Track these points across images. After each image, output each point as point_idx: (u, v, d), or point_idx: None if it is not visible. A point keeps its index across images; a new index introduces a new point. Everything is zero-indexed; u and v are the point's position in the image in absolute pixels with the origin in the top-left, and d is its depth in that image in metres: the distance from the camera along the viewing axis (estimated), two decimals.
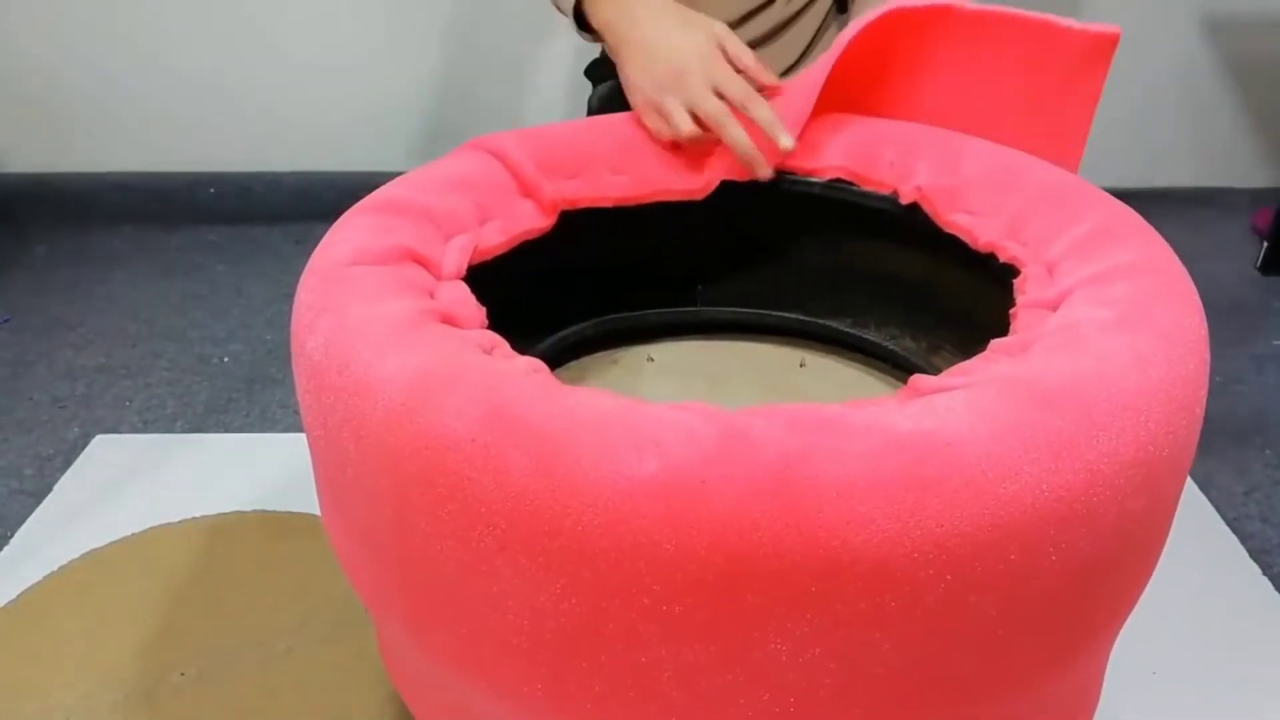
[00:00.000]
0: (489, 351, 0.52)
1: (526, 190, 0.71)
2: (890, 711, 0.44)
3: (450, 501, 0.44)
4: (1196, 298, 0.54)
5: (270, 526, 1.02)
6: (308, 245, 0.60)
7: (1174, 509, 0.52)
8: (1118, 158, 1.80)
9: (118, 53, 1.68)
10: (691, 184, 0.75)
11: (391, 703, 0.81)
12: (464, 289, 0.59)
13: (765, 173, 0.73)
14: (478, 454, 0.43)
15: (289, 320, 0.56)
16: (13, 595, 0.93)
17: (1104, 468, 0.43)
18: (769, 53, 1.07)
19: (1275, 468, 1.17)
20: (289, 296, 0.58)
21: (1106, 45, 0.71)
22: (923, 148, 0.72)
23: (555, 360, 0.80)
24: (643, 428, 0.42)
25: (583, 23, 0.83)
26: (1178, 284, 0.54)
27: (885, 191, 0.73)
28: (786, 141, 0.70)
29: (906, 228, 0.72)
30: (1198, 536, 1.03)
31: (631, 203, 0.74)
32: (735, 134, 0.71)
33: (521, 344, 0.56)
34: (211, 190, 1.80)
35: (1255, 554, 1.01)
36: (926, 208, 0.70)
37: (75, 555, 0.98)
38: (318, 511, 0.59)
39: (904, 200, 0.71)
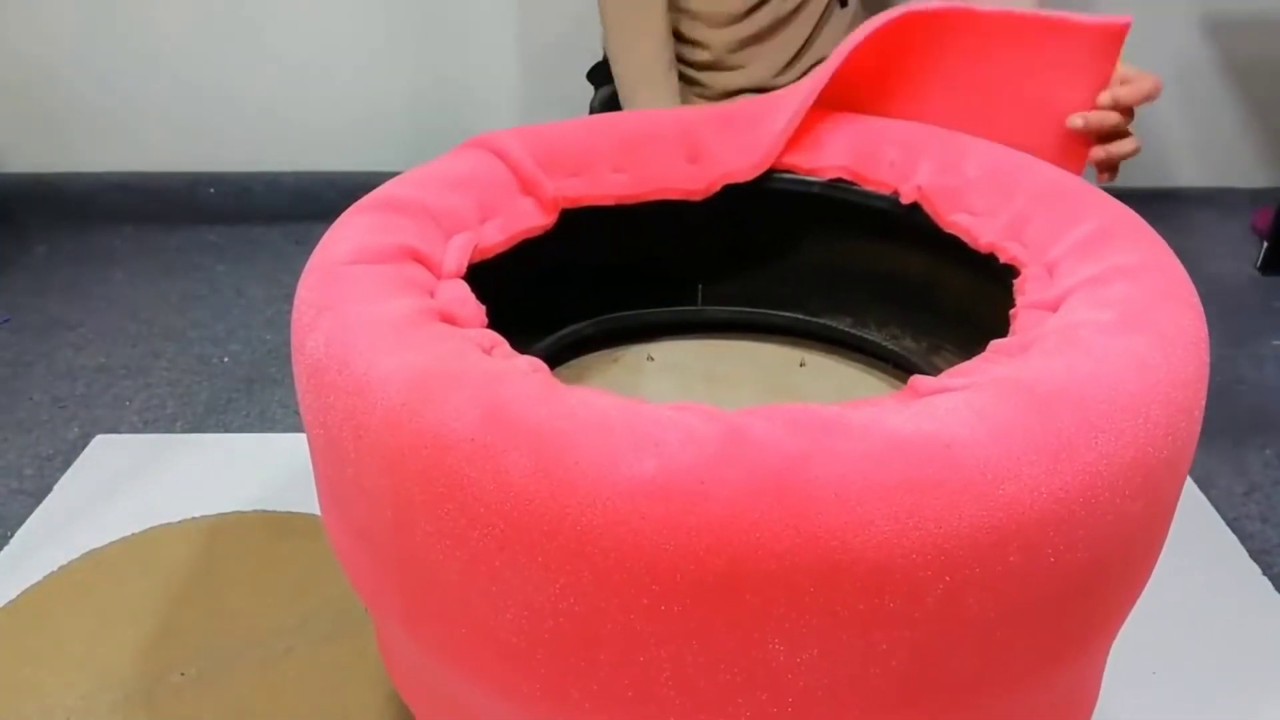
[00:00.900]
0: (489, 351, 0.52)
1: (527, 188, 0.71)
2: (889, 712, 0.44)
3: (449, 501, 0.44)
4: (1196, 299, 0.54)
5: (270, 526, 1.02)
6: (307, 245, 0.60)
7: (1173, 510, 0.52)
8: None
9: (118, 53, 1.68)
10: (693, 184, 0.75)
11: (391, 702, 0.81)
12: (464, 288, 0.59)
13: None
14: (477, 453, 0.43)
15: (289, 320, 0.56)
16: (13, 595, 0.93)
17: (1103, 469, 0.43)
18: (767, 48, 1.08)
19: (1275, 468, 1.17)
20: (289, 296, 0.58)
21: (1117, 35, 0.71)
22: (925, 147, 0.72)
23: (555, 359, 0.80)
24: (642, 428, 0.42)
25: None
26: (1178, 285, 0.54)
27: (886, 191, 0.73)
28: None
29: (907, 228, 0.72)
30: (1198, 536, 1.03)
31: (632, 201, 0.74)
32: None
33: (522, 342, 0.56)
34: (211, 190, 1.80)
35: (1255, 554, 1.01)
36: (927, 208, 0.70)
37: (75, 555, 0.98)
38: (318, 511, 0.59)
39: (905, 200, 0.71)
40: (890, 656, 0.42)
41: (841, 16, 1.16)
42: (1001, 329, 0.56)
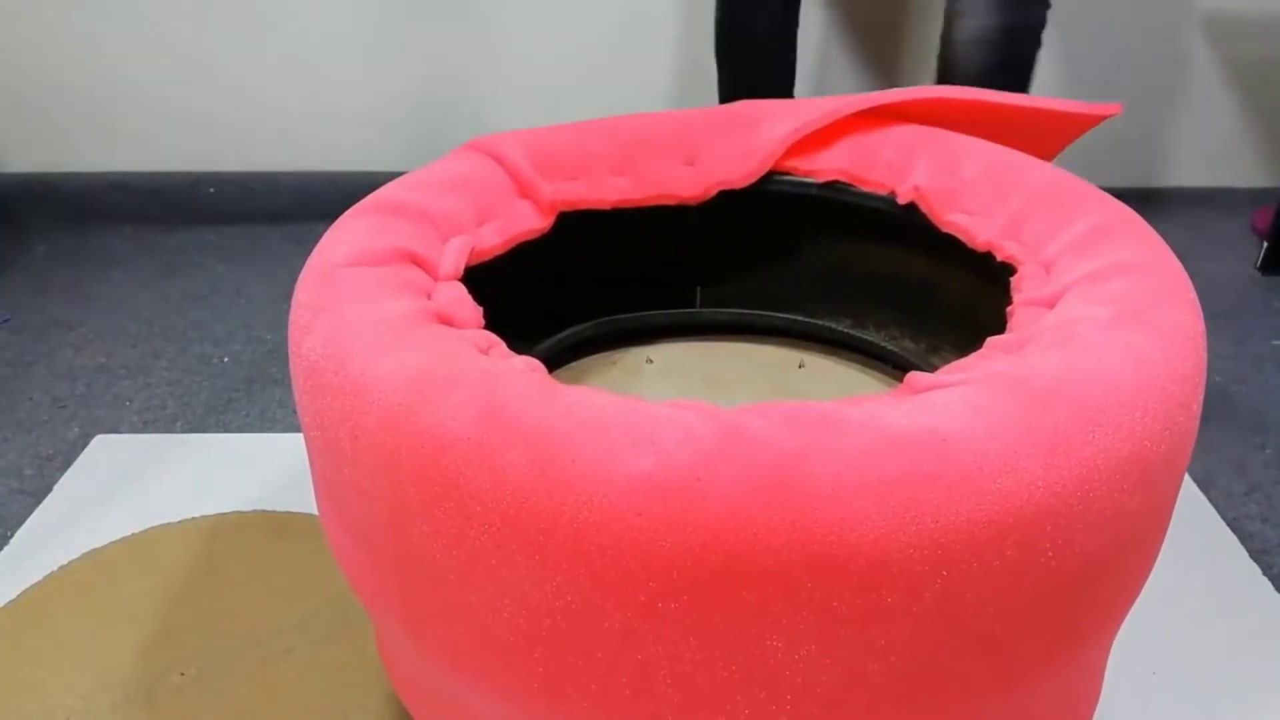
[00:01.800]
0: (486, 351, 0.52)
1: (524, 191, 0.71)
2: (887, 708, 0.44)
3: (447, 500, 0.44)
4: (1193, 295, 0.54)
5: (270, 526, 1.02)
6: (308, 245, 0.60)
7: (1172, 506, 0.52)
8: (1117, 157, 1.80)
9: (118, 52, 1.68)
10: (690, 189, 0.75)
11: (391, 703, 0.81)
12: (461, 289, 0.59)
13: None
14: (474, 453, 0.43)
15: (287, 320, 0.56)
16: (12, 595, 0.93)
17: (1100, 464, 0.43)
18: None
19: (1275, 467, 1.17)
20: (289, 296, 0.58)
21: (1106, 116, 0.73)
22: (922, 148, 0.72)
23: (554, 361, 0.80)
24: (639, 426, 0.42)
25: None
26: (1174, 282, 0.54)
27: (883, 192, 0.73)
28: None
29: (905, 228, 0.72)
30: (1198, 536, 1.03)
31: (630, 205, 0.74)
32: None
33: (521, 345, 0.56)
34: (212, 190, 1.81)
35: (1255, 554, 1.01)
36: (924, 208, 0.70)
37: (75, 555, 0.98)
38: (317, 512, 0.59)
39: (902, 200, 0.71)
40: (889, 653, 0.42)
41: None
42: (1000, 329, 0.56)
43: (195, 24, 1.66)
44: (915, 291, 0.80)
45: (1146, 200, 1.67)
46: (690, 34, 1.66)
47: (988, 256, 0.65)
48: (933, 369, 0.74)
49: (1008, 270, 0.62)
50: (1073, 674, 0.52)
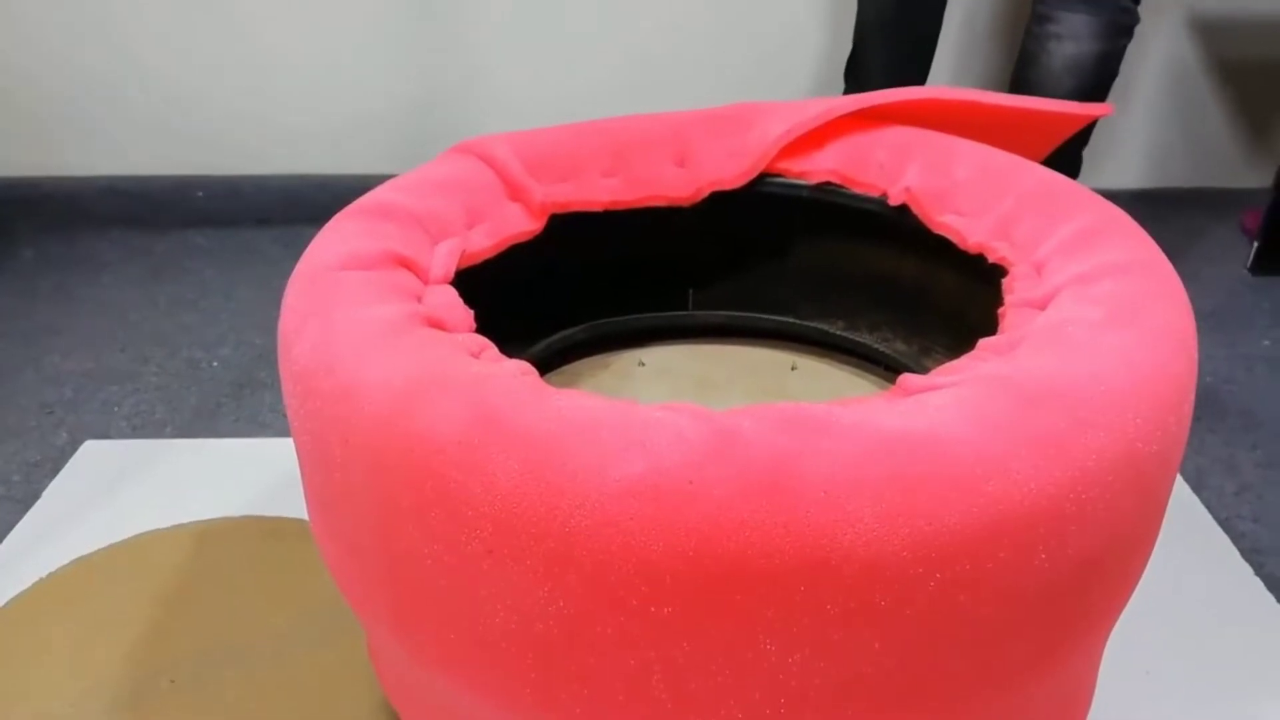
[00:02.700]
0: (477, 355, 0.51)
1: (515, 193, 0.70)
2: (881, 711, 0.44)
3: (437, 505, 0.43)
4: (1184, 295, 0.54)
5: (260, 531, 1.01)
6: (297, 249, 0.60)
7: (1164, 505, 0.52)
8: (1108, 159, 1.80)
9: (104, 56, 1.67)
10: (682, 190, 0.75)
11: (381, 709, 0.81)
12: (451, 293, 0.59)
13: None
14: (465, 456, 0.43)
15: (277, 324, 0.56)
16: (1, 602, 0.93)
17: (1092, 464, 0.43)
18: None
19: (1266, 467, 1.17)
20: (278, 301, 0.58)
21: (1096, 116, 0.73)
22: (913, 150, 0.72)
23: (546, 364, 0.79)
24: (631, 429, 0.42)
25: None
26: (1165, 282, 0.54)
27: (875, 194, 0.73)
28: None
29: (897, 230, 0.72)
30: (1190, 536, 1.03)
31: (621, 207, 0.74)
32: None
33: (512, 348, 0.56)
34: (200, 194, 1.80)
35: (1247, 554, 1.01)
36: (916, 209, 0.70)
37: (64, 562, 0.97)
38: (307, 516, 0.59)
39: (893, 202, 0.71)
40: (883, 655, 0.42)
41: None
42: (992, 331, 0.56)
43: (182, 27, 1.65)
44: (907, 293, 0.80)
45: (1137, 200, 1.67)
46: (683, 28, 1.66)
47: (979, 258, 0.65)
48: (925, 371, 0.74)
49: (999, 272, 0.62)
50: (1066, 675, 0.52)
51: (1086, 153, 1.47)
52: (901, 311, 0.81)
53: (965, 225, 0.66)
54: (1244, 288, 1.60)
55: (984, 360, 0.50)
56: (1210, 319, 1.48)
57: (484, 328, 0.57)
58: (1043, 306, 0.54)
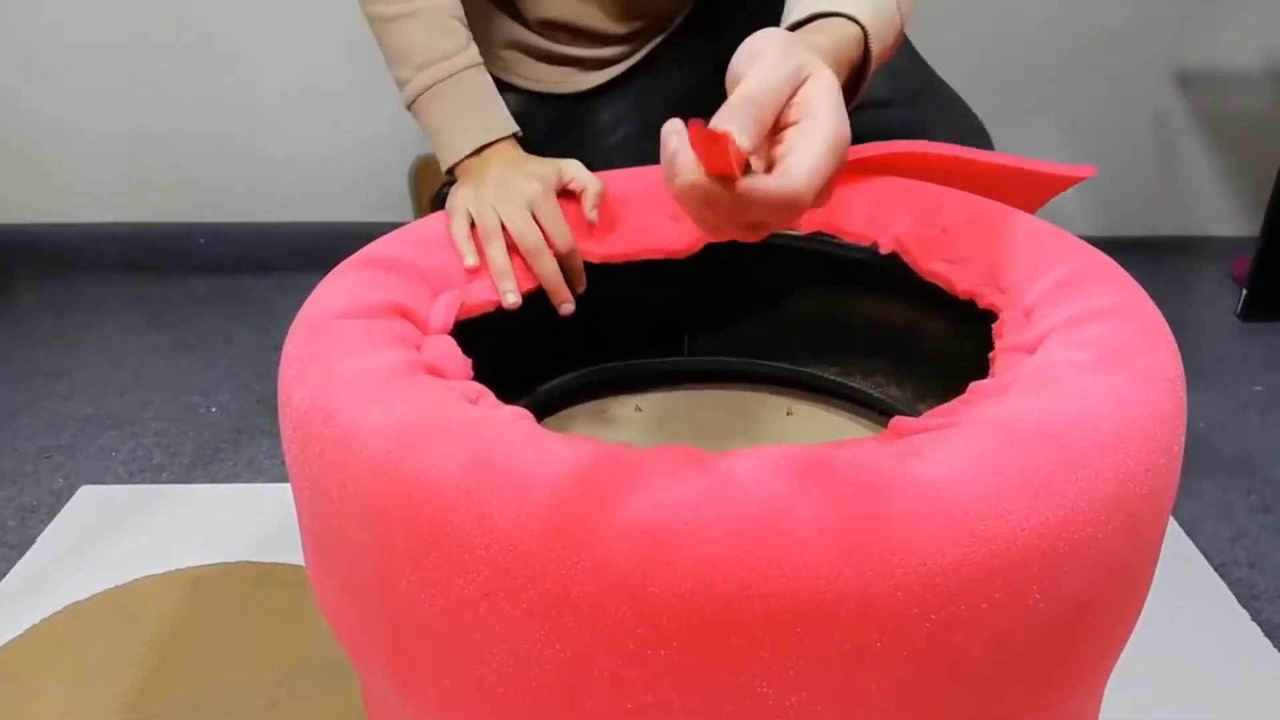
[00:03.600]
0: (474, 401, 0.52)
1: (515, 248, 0.72)
2: None
3: (435, 549, 0.44)
4: (1171, 338, 0.55)
5: (255, 578, 1.01)
6: (297, 296, 0.61)
7: (1158, 548, 0.52)
8: (1097, 208, 1.83)
9: (110, 104, 1.70)
10: (676, 243, 0.76)
11: None
12: (450, 342, 0.59)
13: (567, 308, 0.73)
14: (462, 500, 0.43)
15: (277, 370, 0.57)
16: None
17: (1084, 505, 0.43)
18: None
19: (1261, 512, 1.18)
20: (278, 346, 0.58)
21: (1081, 178, 0.74)
22: (902, 200, 0.73)
23: (543, 410, 0.80)
24: (627, 472, 0.43)
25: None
26: (1152, 325, 0.55)
27: (865, 243, 0.74)
28: (512, 299, 0.69)
29: (888, 277, 0.73)
30: (1186, 582, 1.03)
31: (618, 260, 0.75)
32: (545, 266, 0.71)
33: (510, 395, 0.56)
34: (202, 241, 1.82)
35: (1244, 600, 1.01)
36: (906, 257, 0.71)
37: (57, 608, 0.97)
38: (303, 562, 0.59)
39: (883, 250, 0.72)
40: (880, 698, 0.42)
41: None
42: (983, 375, 0.57)
43: (188, 77, 1.68)
44: (899, 339, 0.81)
45: (1126, 249, 1.70)
46: None
47: (969, 304, 0.66)
48: (918, 414, 0.75)
49: (989, 317, 0.63)
50: (1065, 718, 0.52)
51: (1074, 201, 1.49)
52: (894, 357, 0.82)
53: (955, 272, 0.67)
54: (1234, 334, 1.61)
55: (976, 403, 0.50)
56: (1201, 365, 1.49)
57: (481, 375, 0.57)
58: (1032, 350, 0.55)
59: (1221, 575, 1.05)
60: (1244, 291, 1.64)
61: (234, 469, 1.24)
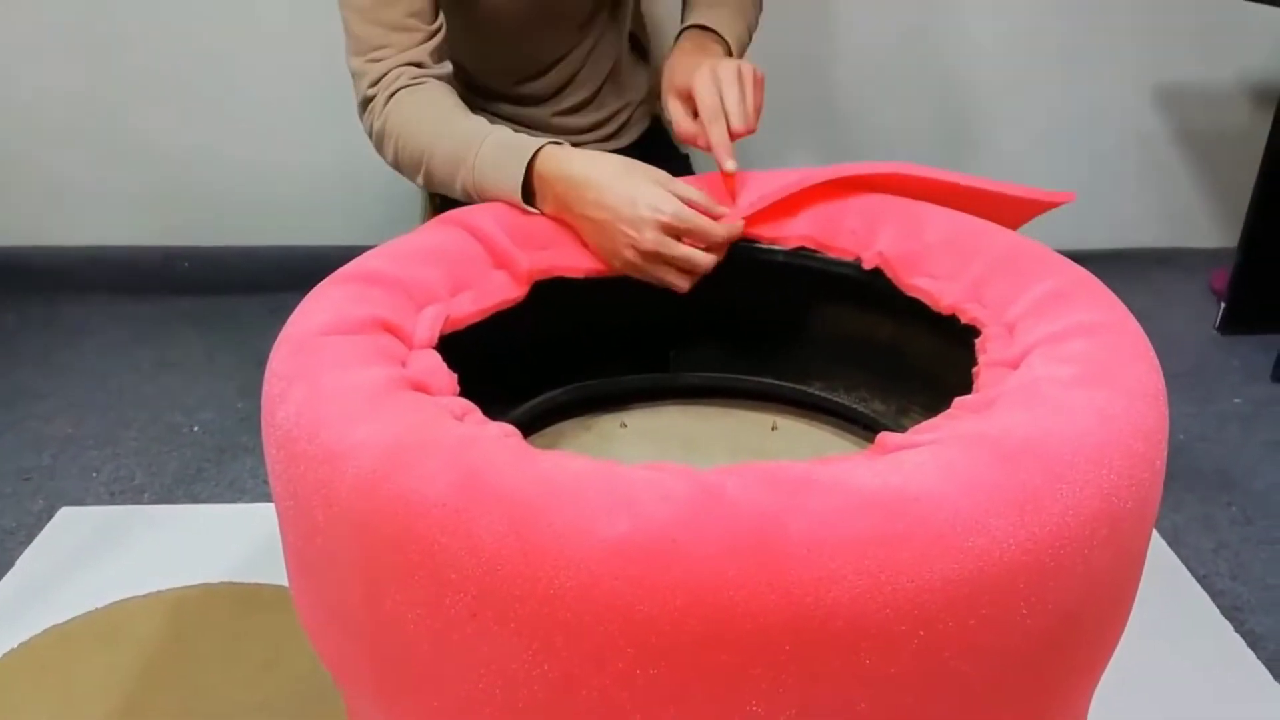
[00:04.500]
0: (460, 418, 0.52)
1: (500, 261, 0.72)
2: None
3: (421, 568, 0.43)
4: (1152, 353, 0.55)
5: (238, 599, 1.00)
6: (280, 314, 0.60)
7: (1142, 559, 0.53)
8: (1077, 221, 1.84)
9: (92, 130, 1.69)
10: None
11: None
12: (435, 357, 0.59)
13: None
14: (449, 519, 0.43)
15: (260, 388, 0.56)
16: None
17: (1069, 519, 0.44)
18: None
19: (1242, 524, 1.18)
20: (260, 364, 0.58)
21: (1059, 203, 0.75)
22: (884, 216, 0.74)
23: (529, 427, 0.80)
24: (615, 489, 0.43)
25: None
26: (1133, 341, 0.56)
27: (848, 258, 0.75)
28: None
29: (871, 293, 0.74)
30: (1169, 594, 1.04)
31: (604, 274, 0.75)
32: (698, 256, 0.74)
33: (496, 411, 0.56)
34: (186, 264, 1.81)
35: (1227, 611, 1.02)
36: (889, 273, 0.72)
37: (37, 630, 0.95)
38: (287, 583, 0.59)
39: (866, 266, 0.73)
40: (871, 714, 0.42)
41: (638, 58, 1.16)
42: (967, 390, 0.57)
43: (170, 99, 1.67)
44: (883, 354, 0.81)
45: (1107, 262, 1.72)
46: None
47: (952, 319, 0.66)
48: (903, 429, 0.75)
49: (972, 332, 0.63)
50: None
51: (1056, 215, 1.50)
52: (878, 372, 0.82)
53: (937, 288, 0.68)
54: (1213, 347, 1.63)
55: (960, 418, 0.51)
56: (1182, 378, 1.51)
57: (467, 391, 0.57)
58: (1015, 366, 0.56)
59: (1204, 587, 1.05)
60: (1223, 304, 1.65)
61: (217, 489, 1.23)
